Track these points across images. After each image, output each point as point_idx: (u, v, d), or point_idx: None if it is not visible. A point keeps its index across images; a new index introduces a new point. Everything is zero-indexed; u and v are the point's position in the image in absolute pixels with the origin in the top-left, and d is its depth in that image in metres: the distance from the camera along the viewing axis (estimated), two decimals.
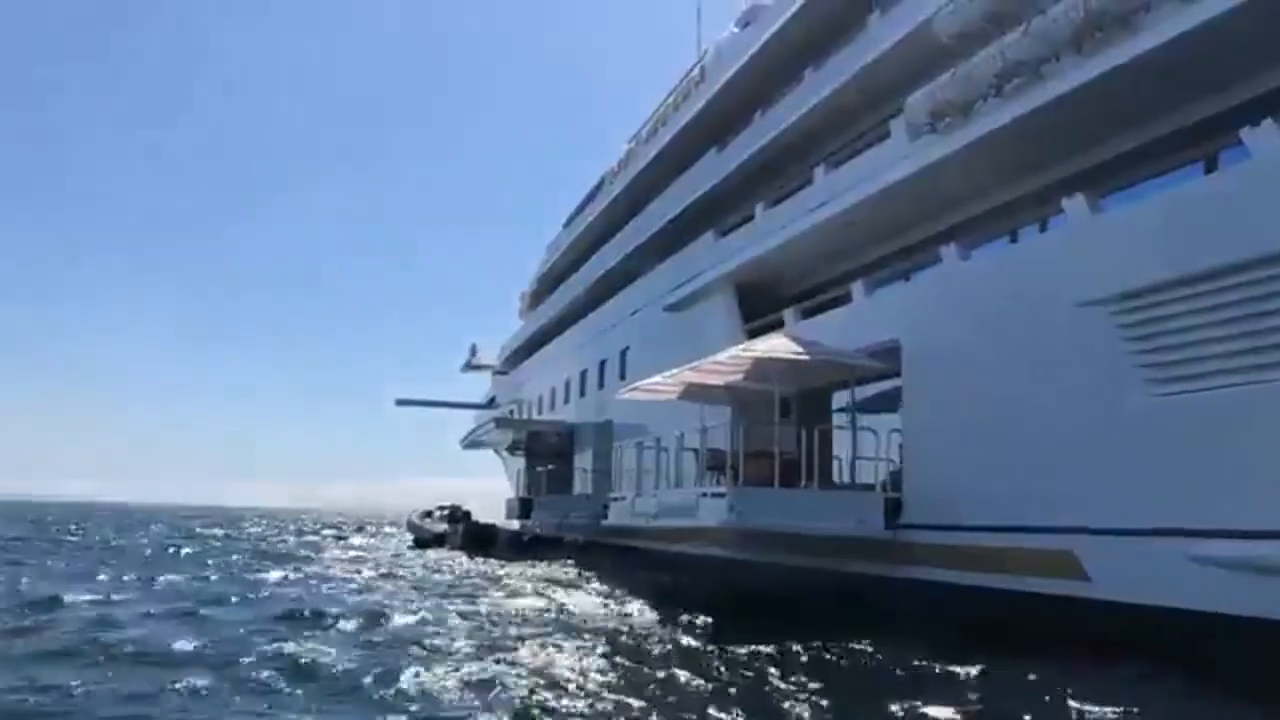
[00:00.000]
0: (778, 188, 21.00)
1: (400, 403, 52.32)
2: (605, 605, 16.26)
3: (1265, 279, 9.76)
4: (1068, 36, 12.16)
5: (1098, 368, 11.41)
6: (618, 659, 10.94)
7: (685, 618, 14.11)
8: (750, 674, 10.24)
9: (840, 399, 18.54)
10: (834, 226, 17.85)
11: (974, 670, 10.19)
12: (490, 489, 51.09)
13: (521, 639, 12.18)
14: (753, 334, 19.87)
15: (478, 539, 33.58)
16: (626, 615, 14.95)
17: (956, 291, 14.13)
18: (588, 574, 21.06)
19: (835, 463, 17.13)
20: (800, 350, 15.14)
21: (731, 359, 16.35)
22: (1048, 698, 9.08)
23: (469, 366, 55.39)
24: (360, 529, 63.86)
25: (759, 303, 21.39)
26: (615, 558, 24.14)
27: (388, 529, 60.36)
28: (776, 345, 15.42)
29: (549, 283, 43.97)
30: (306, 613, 14.42)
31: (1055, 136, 13.21)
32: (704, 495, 15.23)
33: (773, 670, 10.36)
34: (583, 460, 32.40)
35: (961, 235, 14.99)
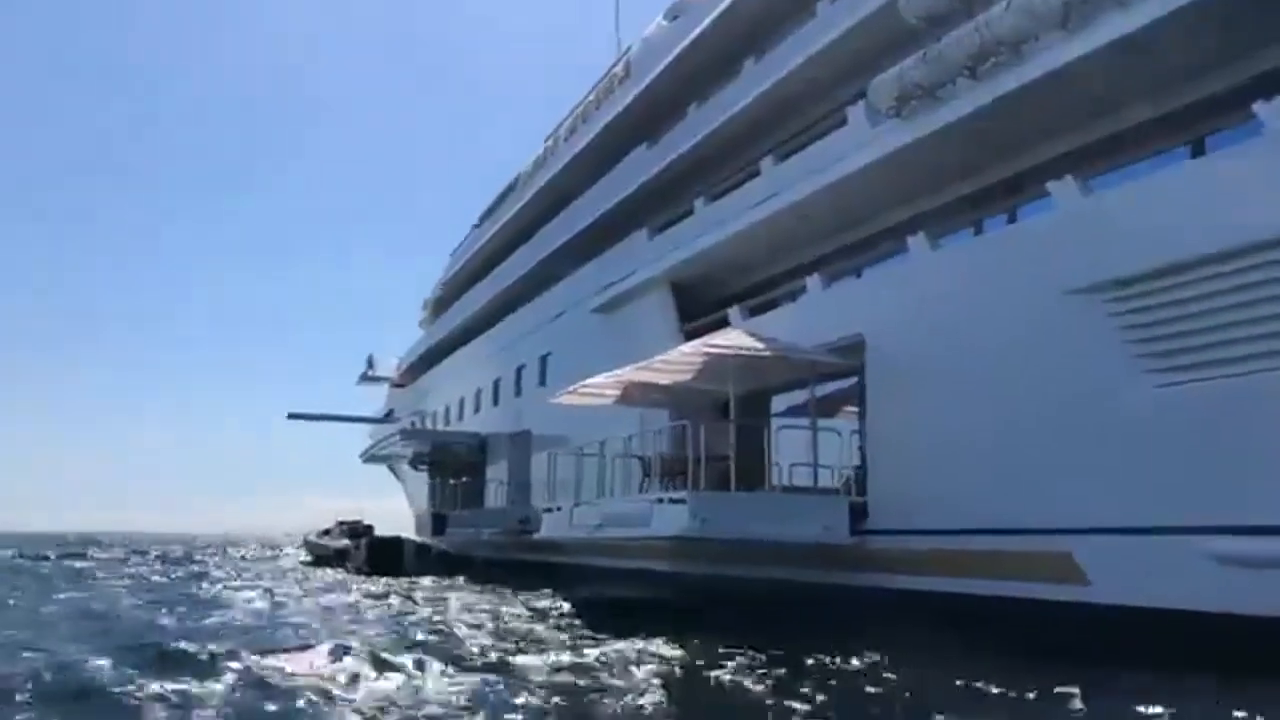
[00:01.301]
0: (718, 182, 20.16)
1: (293, 417, 49.79)
2: (550, 626, 15.04)
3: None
4: (1056, 12, 11.58)
5: (1094, 358, 10.80)
6: (581, 685, 9.78)
7: (642, 638, 13.04)
8: (733, 694, 9.22)
9: (779, 402, 17.85)
10: (784, 219, 17.06)
11: (977, 685, 9.40)
12: (388, 509, 49.19)
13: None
14: (690, 335, 18.95)
15: (383, 555, 31.64)
16: (580, 637, 13.75)
17: (927, 282, 13.43)
18: (523, 593, 19.69)
19: (775, 468, 16.30)
20: (761, 346, 14.23)
21: (683, 356, 15.36)
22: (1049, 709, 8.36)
23: (366, 378, 53.18)
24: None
25: (696, 302, 20.54)
26: (545, 575, 22.86)
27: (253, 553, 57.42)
28: (734, 340, 14.48)
29: (455, 289, 42.34)
30: None
31: (1034, 120, 12.63)
32: (659, 502, 14.14)
33: (756, 688, 9.36)
34: (497, 472, 30.99)
35: (922, 227, 14.31)
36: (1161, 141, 11.49)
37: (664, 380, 16.34)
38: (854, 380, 15.45)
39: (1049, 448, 11.19)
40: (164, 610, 16.79)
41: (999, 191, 13.97)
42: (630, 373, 16.20)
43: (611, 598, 17.05)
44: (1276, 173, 9.25)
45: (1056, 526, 10.96)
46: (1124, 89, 11.76)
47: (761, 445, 16.53)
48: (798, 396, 17.21)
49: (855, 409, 15.93)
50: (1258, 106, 9.51)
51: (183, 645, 10.56)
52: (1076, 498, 10.79)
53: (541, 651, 11.35)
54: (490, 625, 14.39)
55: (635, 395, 17.72)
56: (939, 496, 12.63)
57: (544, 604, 17.33)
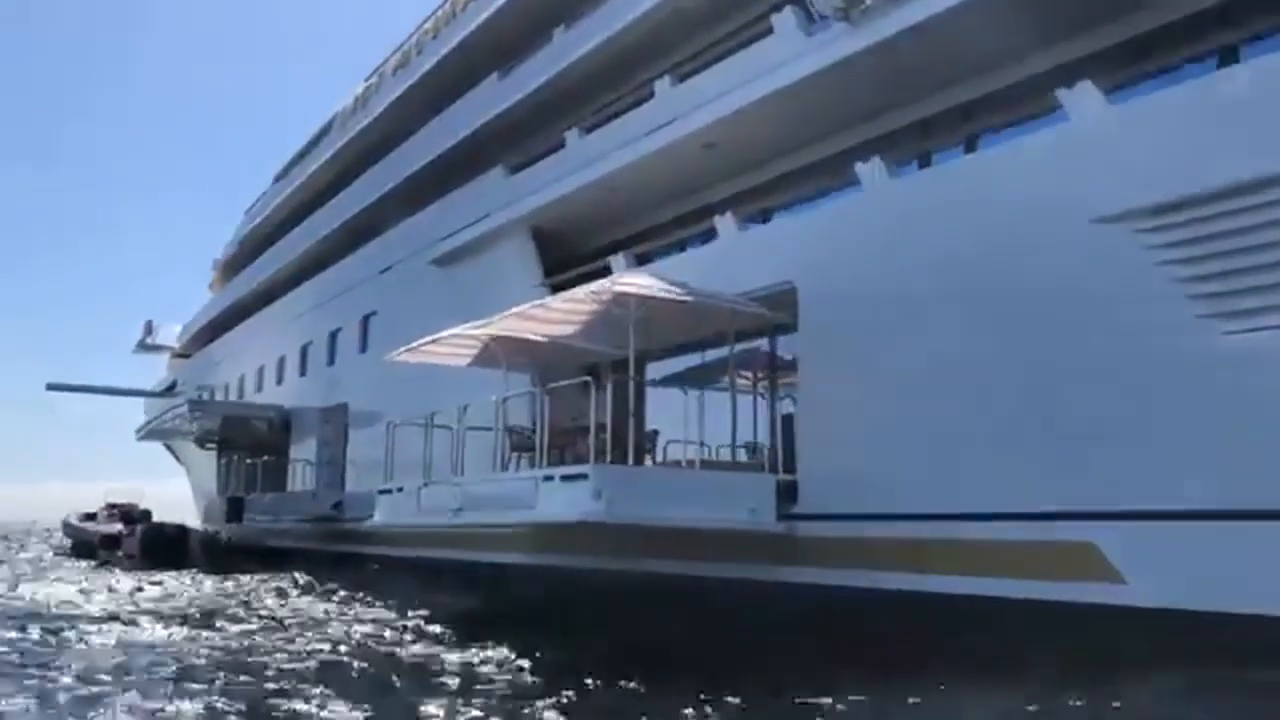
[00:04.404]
0: (590, 114, 17.42)
1: (52, 387, 43.28)
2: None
3: None
4: None
5: (1131, 301, 8.74)
6: None
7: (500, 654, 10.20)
8: None
9: (655, 369, 15.33)
10: (683, 151, 14.46)
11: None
12: (171, 495, 43.70)
13: None
14: (556, 289, 16.12)
15: (162, 544, 26.83)
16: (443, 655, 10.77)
17: (886, 218, 11.14)
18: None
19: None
20: (682, 291, 11.54)
21: (571, 303, 12.49)
22: None
23: (144, 346, 47.13)
24: None
25: (562, 253, 17.72)
26: (376, 569, 19.52)
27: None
28: (646, 284, 11.71)
29: (253, 247, 37.58)
30: None
31: (1029, 22, 10.49)
32: (547, 480, 11.21)
33: None
34: (303, 451, 27.02)
35: (854, 161, 12.07)
36: (1183, 49, 9.59)
37: (543, 331, 13.44)
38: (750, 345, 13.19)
39: (1068, 411, 9.05)
40: None
41: (957, 117, 11.89)
42: (502, 321, 13.20)
43: None
44: None
45: (1075, 510, 8.84)
46: None
47: (641, 417, 14.08)
48: (671, 366, 14.82)
49: (745, 376, 13.63)
50: None
51: None
52: (1107, 475, 8.70)
53: None
54: None
55: (495, 354, 14.72)
56: (901, 475, 10.35)
57: None
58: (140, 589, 18.60)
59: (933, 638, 9.20)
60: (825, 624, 10.33)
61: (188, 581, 20.01)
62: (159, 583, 20.00)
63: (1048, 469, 9.11)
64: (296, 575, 19.98)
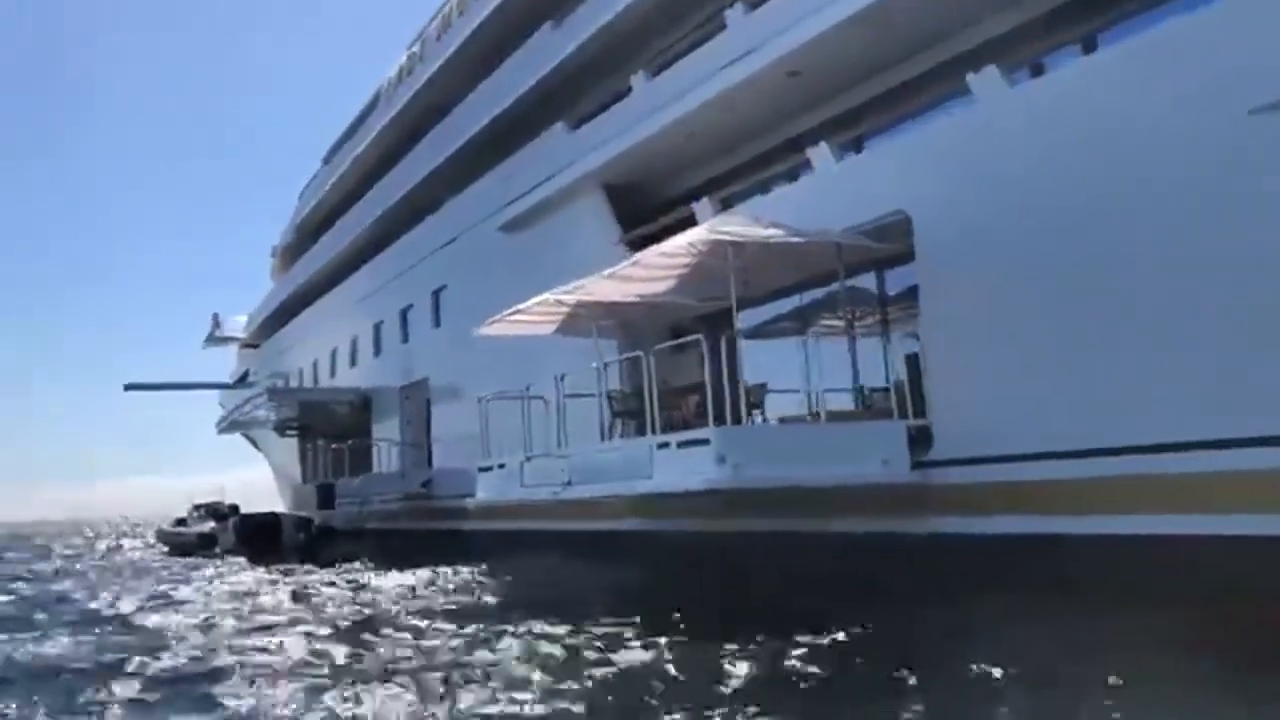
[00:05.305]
0: (655, 55, 16.49)
1: (130, 387, 43.77)
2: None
3: None
4: None
5: None
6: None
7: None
8: None
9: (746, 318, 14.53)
10: (763, 83, 13.52)
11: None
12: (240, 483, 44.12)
13: None
14: (635, 245, 15.36)
15: (258, 534, 26.60)
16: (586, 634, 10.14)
17: (1009, 131, 10.13)
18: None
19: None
20: (785, 231, 10.71)
21: (663, 258, 11.74)
22: None
23: (213, 340, 47.55)
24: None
25: (633, 207, 16.91)
26: (482, 544, 19.07)
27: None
28: (747, 229, 10.89)
29: (311, 230, 37.30)
30: None
31: None
32: (663, 446, 10.54)
33: None
34: (385, 430, 26.79)
35: (954, 75, 11.09)
36: None
37: (634, 290, 12.74)
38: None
39: (1250, 324, 8.10)
40: None
41: (1073, 15, 10.78)
42: (594, 285, 12.49)
43: None
44: None
45: (1268, 434, 7.92)
46: None
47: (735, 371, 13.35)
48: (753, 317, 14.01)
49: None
50: None
51: None
52: None
53: None
54: None
55: (581, 320, 14.09)
56: (1065, 408, 9.43)
57: None
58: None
59: (1134, 585, 8.41)
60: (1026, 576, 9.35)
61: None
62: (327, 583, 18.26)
63: (1239, 389, 8.18)
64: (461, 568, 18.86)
